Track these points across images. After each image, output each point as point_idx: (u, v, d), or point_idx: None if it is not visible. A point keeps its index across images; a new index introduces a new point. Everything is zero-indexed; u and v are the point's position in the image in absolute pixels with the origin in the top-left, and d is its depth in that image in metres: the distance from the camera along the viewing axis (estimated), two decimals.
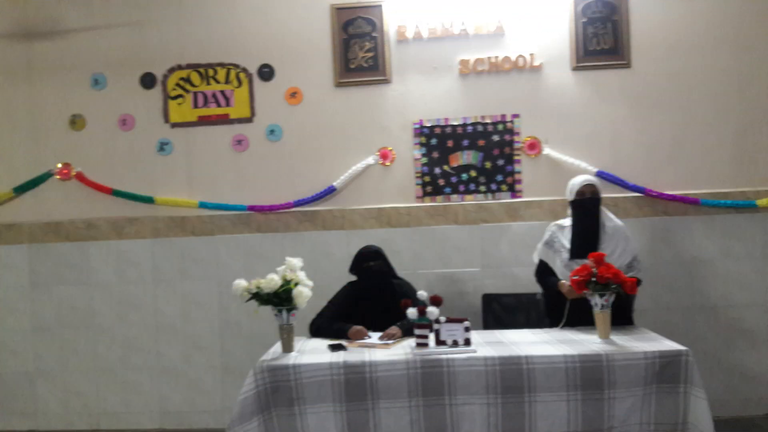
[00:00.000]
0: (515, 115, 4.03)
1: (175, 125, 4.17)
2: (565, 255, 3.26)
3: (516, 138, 4.03)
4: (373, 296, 3.35)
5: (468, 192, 4.05)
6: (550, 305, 3.36)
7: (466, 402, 2.61)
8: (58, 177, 4.18)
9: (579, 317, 3.11)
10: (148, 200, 4.13)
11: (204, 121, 4.16)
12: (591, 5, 3.97)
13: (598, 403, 2.59)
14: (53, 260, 4.19)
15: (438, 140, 4.06)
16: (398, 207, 4.07)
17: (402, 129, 4.08)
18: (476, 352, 2.70)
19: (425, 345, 2.76)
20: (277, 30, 4.11)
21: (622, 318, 3.13)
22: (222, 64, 4.15)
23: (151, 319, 4.17)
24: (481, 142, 4.04)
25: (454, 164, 4.06)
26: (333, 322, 3.22)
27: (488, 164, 4.04)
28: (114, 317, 4.18)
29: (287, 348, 2.87)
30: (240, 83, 4.14)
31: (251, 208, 4.09)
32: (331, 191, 4.07)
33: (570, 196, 3.34)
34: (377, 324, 3.19)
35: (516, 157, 4.03)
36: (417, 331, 2.79)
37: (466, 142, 4.05)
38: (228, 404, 4.06)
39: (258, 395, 2.64)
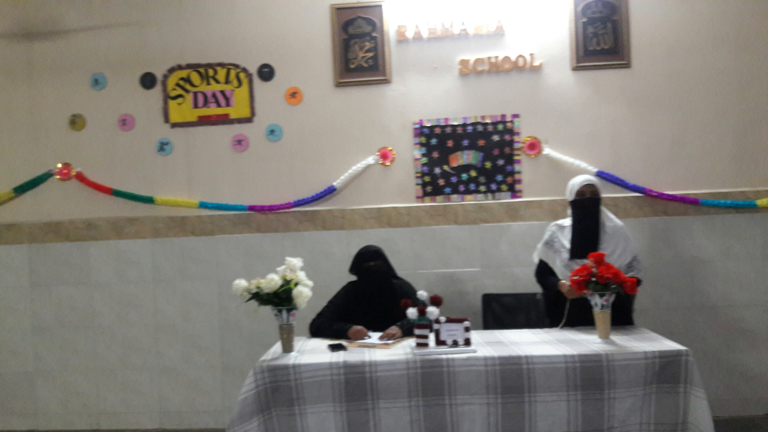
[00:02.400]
0: (515, 115, 4.03)
1: (175, 125, 4.17)
2: (565, 255, 3.26)
3: (516, 138, 4.03)
4: (373, 296, 3.35)
5: (468, 192, 4.05)
6: (550, 305, 3.37)
7: (466, 402, 2.61)
8: (58, 177, 4.18)
9: (579, 317, 3.11)
10: (148, 200, 4.13)
11: (204, 121, 4.16)
12: (591, 5, 3.97)
13: (598, 403, 2.59)
14: (53, 260, 4.19)
15: (438, 140, 4.06)
16: (398, 207, 4.07)
17: (402, 129, 4.08)
18: (476, 352, 2.70)
19: (425, 345, 2.76)
20: (277, 30, 4.11)
21: (622, 318, 3.13)
22: (222, 64, 4.15)
23: (151, 319, 4.17)
24: (481, 142, 4.04)
25: (454, 164, 4.06)
26: (333, 322, 3.22)
27: (488, 164, 4.04)
28: (114, 317, 4.18)
29: (287, 348, 2.87)
30: (240, 83, 4.14)
31: (251, 208, 4.09)
32: (331, 191, 4.07)
33: (570, 196, 3.34)
34: (377, 324, 3.19)
35: (516, 157, 4.03)
36: (417, 331, 2.79)
37: (466, 142, 4.05)
38: (228, 404, 4.06)
39: (258, 395, 2.64)
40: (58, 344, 4.20)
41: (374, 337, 3.09)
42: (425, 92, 4.06)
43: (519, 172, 4.03)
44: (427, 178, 4.07)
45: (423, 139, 4.07)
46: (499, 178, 4.04)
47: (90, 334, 4.20)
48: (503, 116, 4.04)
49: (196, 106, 4.16)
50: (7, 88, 4.23)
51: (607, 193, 3.73)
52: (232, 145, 4.15)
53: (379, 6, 4.04)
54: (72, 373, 4.20)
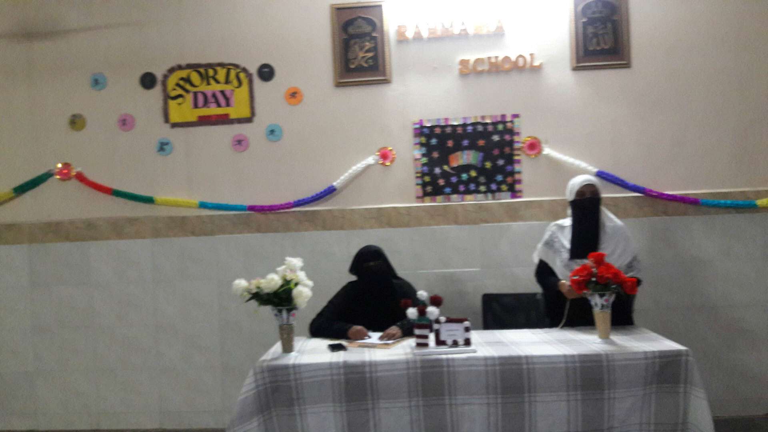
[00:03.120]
0: (515, 115, 4.03)
1: (175, 125, 4.17)
2: (565, 255, 3.26)
3: (516, 138, 4.03)
4: (373, 296, 3.34)
5: (468, 192, 4.05)
6: (550, 305, 3.37)
7: (466, 402, 2.61)
8: (58, 177, 4.18)
9: (579, 317, 3.11)
10: (148, 200, 4.13)
11: (204, 121, 4.16)
12: (591, 5, 3.97)
13: (598, 403, 2.59)
14: (53, 260, 4.19)
15: (438, 140, 4.06)
16: (398, 207, 4.07)
17: (402, 129, 4.08)
18: (476, 352, 2.70)
19: (425, 345, 2.76)
20: (277, 30, 4.11)
21: (622, 318, 3.13)
22: (222, 64, 4.15)
23: (151, 319, 4.17)
24: (481, 142, 4.04)
25: (454, 164, 4.06)
26: (333, 322, 3.22)
27: (488, 164, 4.04)
28: (114, 317, 4.18)
29: (287, 348, 2.87)
30: (240, 83, 4.14)
31: (251, 208, 4.09)
32: (331, 191, 4.07)
33: (570, 196, 3.34)
34: (377, 324, 3.19)
35: (516, 157, 4.03)
36: (417, 331, 2.79)
37: (466, 142, 4.05)
38: (228, 404, 4.06)
39: (258, 395, 2.64)
40: (58, 344, 4.20)
41: (374, 337, 3.09)
42: (425, 92, 4.06)
43: (519, 172, 4.03)
44: (427, 178, 4.07)
45: (423, 139, 4.07)
46: (499, 178, 4.04)
47: (90, 334, 4.20)
48: (503, 116, 4.04)
49: (196, 106, 4.16)
50: (7, 88, 4.23)
51: (607, 193, 3.73)
52: (232, 145, 4.15)
53: (379, 6, 4.04)
54: (72, 373, 4.20)
